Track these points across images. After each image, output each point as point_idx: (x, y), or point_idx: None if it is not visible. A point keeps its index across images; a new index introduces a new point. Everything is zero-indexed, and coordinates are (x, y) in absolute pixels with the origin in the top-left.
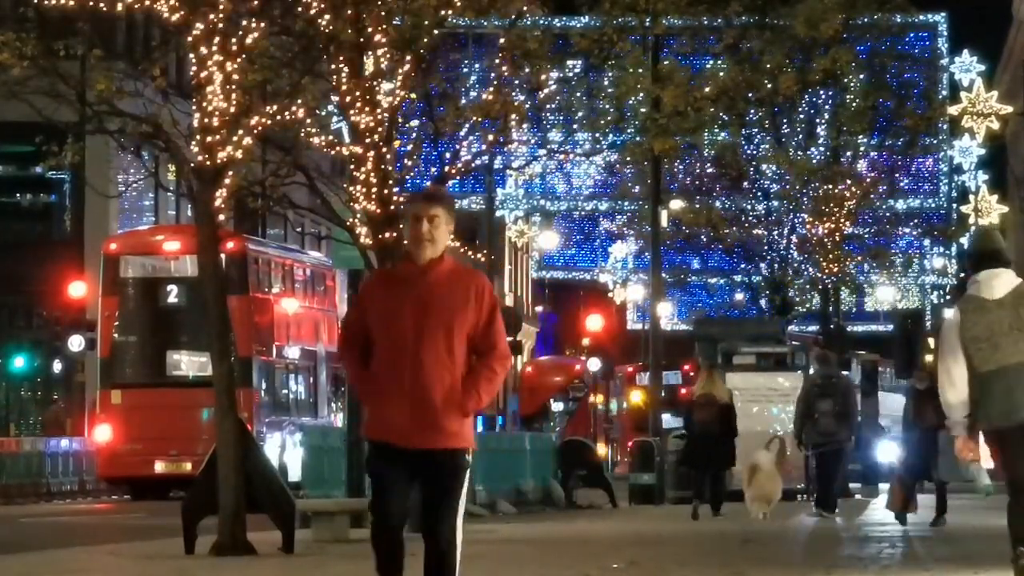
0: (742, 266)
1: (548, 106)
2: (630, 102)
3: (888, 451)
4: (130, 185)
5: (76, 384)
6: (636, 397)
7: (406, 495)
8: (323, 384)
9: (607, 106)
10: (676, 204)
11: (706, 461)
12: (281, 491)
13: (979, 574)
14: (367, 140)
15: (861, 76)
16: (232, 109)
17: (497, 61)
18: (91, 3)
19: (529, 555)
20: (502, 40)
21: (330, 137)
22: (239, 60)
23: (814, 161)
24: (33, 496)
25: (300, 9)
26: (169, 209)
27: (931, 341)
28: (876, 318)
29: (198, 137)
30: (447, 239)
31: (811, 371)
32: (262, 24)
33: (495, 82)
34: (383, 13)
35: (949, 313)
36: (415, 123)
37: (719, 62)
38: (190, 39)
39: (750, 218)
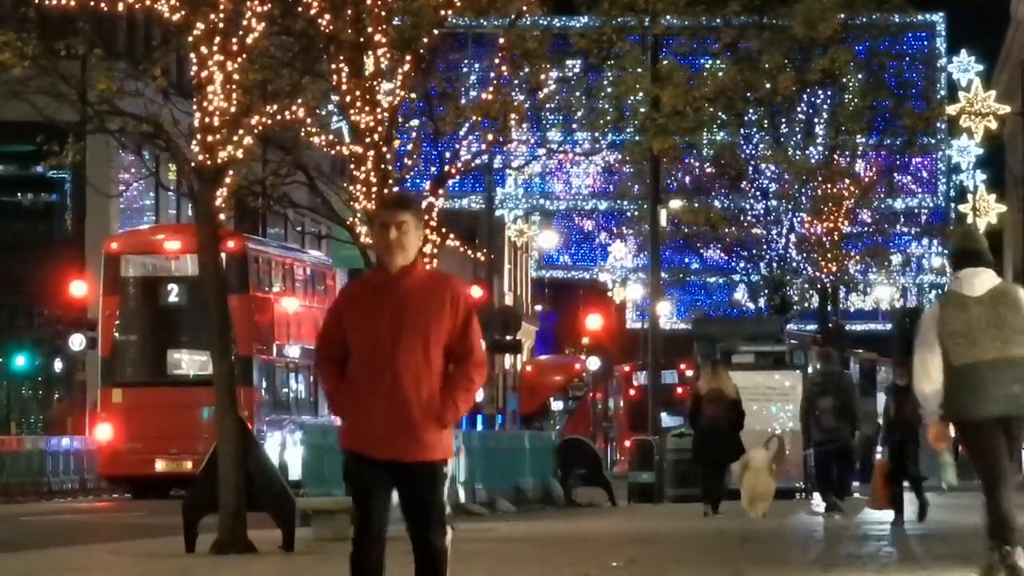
0: (741, 265)
1: (547, 106)
2: (629, 102)
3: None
4: (131, 185)
5: (77, 383)
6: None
7: (387, 502)
8: None
9: (606, 106)
10: (675, 203)
11: (714, 457)
12: (281, 489)
13: (977, 573)
14: (367, 140)
15: (859, 76)
16: (232, 109)
17: (497, 61)
18: (92, 3)
19: (529, 553)
20: (502, 40)
21: (330, 137)
22: (239, 60)
23: (812, 160)
24: (34, 495)
25: (300, 9)
26: (170, 208)
27: None
28: (875, 317)
29: (199, 137)
30: (418, 244)
31: (812, 369)
32: (262, 24)
33: (495, 82)
34: (383, 13)
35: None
36: (415, 123)
37: (718, 62)
38: (191, 39)
39: (749, 217)
